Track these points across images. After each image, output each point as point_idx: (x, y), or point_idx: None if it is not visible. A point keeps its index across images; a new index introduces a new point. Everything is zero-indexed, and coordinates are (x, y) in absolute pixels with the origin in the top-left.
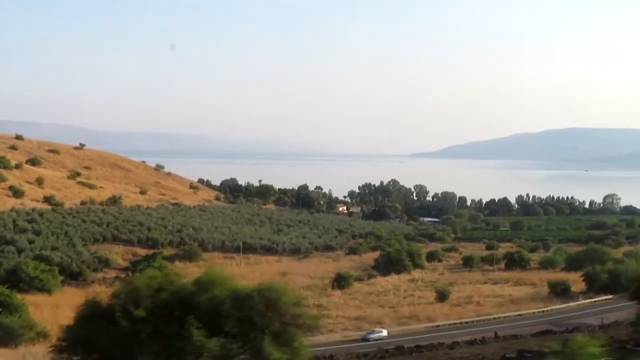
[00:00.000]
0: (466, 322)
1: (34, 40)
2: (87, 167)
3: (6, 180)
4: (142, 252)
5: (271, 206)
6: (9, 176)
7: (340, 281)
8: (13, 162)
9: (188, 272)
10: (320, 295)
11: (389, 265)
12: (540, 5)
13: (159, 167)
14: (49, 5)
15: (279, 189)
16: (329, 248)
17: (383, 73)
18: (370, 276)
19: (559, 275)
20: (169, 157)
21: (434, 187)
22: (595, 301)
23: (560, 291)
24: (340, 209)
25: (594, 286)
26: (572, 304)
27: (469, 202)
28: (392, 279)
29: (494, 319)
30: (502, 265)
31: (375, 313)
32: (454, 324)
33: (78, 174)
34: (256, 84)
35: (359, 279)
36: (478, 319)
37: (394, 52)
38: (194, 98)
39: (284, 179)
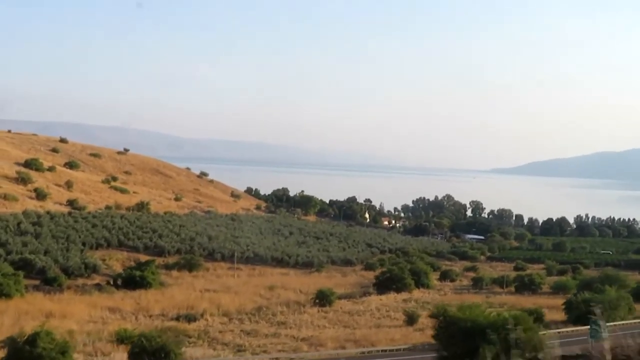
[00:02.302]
0: (398, 350)
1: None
2: (126, 172)
3: (33, 182)
4: (145, 258)
5: (312, 217)
6: (39, 178)
7: (322, 298)
8: (46, 165)
9: (180, 282)
10: (293, 313)
11: (389, 283)
12: (632, 17)
13: (202, 175)
14: (136, 13)
15: (327, 201)
16: (347, 263)
17: (470, 86)
18: (365, 294)
19: (556, 302)
20: (246, 165)
21: (492, 204)
22: (559, 332)
23: (534, 319)
24: (385, 222)
25: (572, 315)
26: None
27: (525, 221)
28: (387, 298)
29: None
30: (513, 289)
31: (328, 334)
32: (389, 350)
33: (114, 179)
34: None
35: (350, 297)
36: (412, 346)
37: (481, 64)
38: (279, 108)
39: (343, 190)
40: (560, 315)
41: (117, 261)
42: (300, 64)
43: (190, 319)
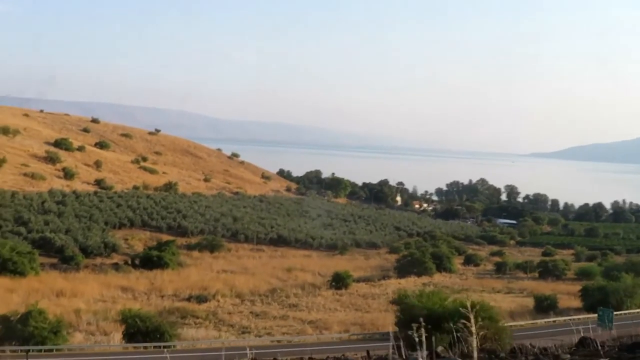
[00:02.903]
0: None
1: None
2: (157, 153)
3: (61, 162)
4: (168, 239)
5: (343, 200)
6: (68, 158)
7: (338, 281)
8: (76, 145)
9: (200, 263)
10: (307, 295)
11: (410, 267)
12: None
13: (233, 156)
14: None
15: (359, 183)
16: (372, 245)
17: (512, 70)
18: (385, 277)
19: (577, 288)
20: (282, 147)
21: (528, 189)
22: (570, 319)
23: (545, 306)
24: (417, 206)
25: (588, 302)
26: (540, 321)
27: (561, 206)
28: (406, 282)
29: None
30: (537, 274)
31: (337, 318)
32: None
33: (144, 159)
34: (377, 77)
35: (369, 280)
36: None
37: (523, 48)
38: (315, 91)
39: (378, 172)
40: (578, 302)
41: (139, 241)
42: (343, 48)
43: (201, 299)
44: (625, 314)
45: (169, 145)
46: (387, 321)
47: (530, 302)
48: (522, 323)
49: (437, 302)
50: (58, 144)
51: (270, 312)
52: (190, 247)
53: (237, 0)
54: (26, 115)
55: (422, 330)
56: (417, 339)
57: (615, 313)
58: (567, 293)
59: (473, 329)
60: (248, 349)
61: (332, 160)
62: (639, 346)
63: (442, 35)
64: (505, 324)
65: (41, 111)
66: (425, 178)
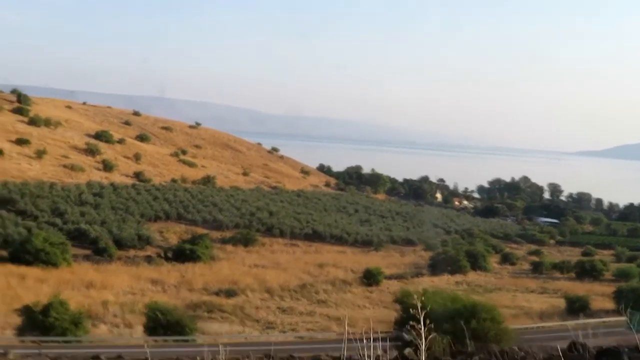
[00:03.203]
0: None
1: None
2: (197, 146)
3: (101, 154)
4: (203, 232)
5: (381, 196)
6: (108, 150)
7: (369, 277)
8: (116, 137)
9: (232, 257)
10: (337, 291)
11: (444, 264)
12: None
13: (273, 150)
14: None
15: (399, 179)
16: (409, 242)
17: (559, 67)
18: (418, 275)
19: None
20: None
21: (571, 187)
22: (601, 322)
23: (577, 307)
24: (457, 203)
25: (621, 305)
26: (569, 322)
27: (605, 205)
28: (439, 280)
29: None
30: (574, 274)
31: (364, 315)
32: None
33: (184, 152)
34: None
35: (401, 277)
36: None
37: (572, 44)
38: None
39: (421, 168)
40: (612, 304)
41: (174, 234)
42: (388, 44)
43: (230, 294)
44: None
45: (209, 138)
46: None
47: (562, 303)
48: (550, 324)
49: (438, 302)
50: (99, 136)
51: (298, 307)
52: (224, 241)
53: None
54: (69, 107)
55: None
56: (409, 339)
57: None
58: (602, 294)
59: (422, 328)
60: (273, 345)
61: (376, 155)
62: (606, 353)
63: (489, 30)
64: (513, 326)
65: (84, 103)
66: (469, 175)
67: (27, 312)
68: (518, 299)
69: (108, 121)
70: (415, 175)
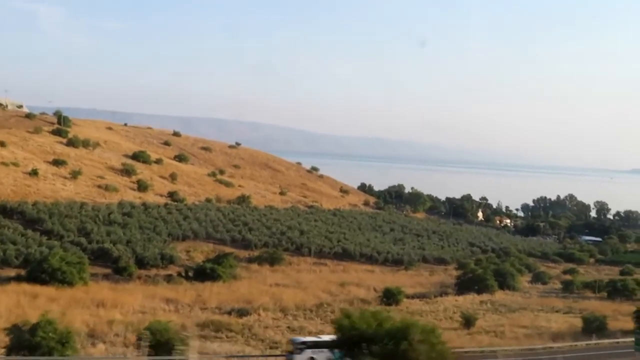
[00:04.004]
0: None
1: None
2: (235, 166)
3: (137, 174)
4: (232, 251)
5: (421, 214)
6: (145, 170)
7: (389, 297)
8: (154, 157)
9: (256, 276)
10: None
11: (471, 283)
12: None
13: (313, 170)
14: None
15: (442, 198)
16: (441, 261)
17: (612, 83)
18: (442, 294)
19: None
20: (381, 162)
21: (620, 205)
22: (613, 342)
23: (594, 327)
24: (498, 221)
25: None
26: (580, 343)
27: None
28: (464, 299)
29: (473, 352)
30: (605, 294)
31: None
32: None
33: (221, 172)
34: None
35: (424, 296)
36: None
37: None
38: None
39: (468, 187)
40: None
41: (200, 253)
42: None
43: (242, 313)
44: None
45: (248, 158)
46: None
47: (582, 323)
48: (560, 345)
49: (371, 323)
50: (136, 156)
51: (308, 327)
52: (250, 260)
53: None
54: (109, 128)
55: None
56: None
57: None
58: (628, 314)
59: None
60: None
61: (424, 175)
62: None
63: (542, 48)
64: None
65: (125, 124)
66: (516, 193)
67: (15, 331)
68: (539, 319)
69: (147, 142)
70: (458, 194)
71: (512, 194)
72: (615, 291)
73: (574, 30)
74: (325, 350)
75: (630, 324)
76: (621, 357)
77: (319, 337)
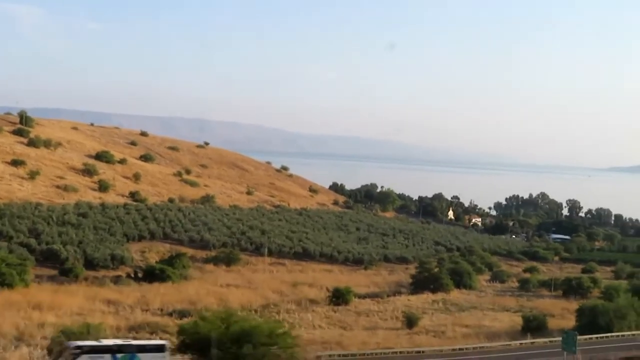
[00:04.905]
0: (355, 355)
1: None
2: (203, 165)
3: (98, 174)
4: (188, 251)
5: (390, 214)
6: (108, 170)
7: (338, 297)
8: (118, 157)
9: (208, 277)
10: (300, 311)
11: (426, 283)
12: None
13: (283, 169)
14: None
15: (414, 197)
16: (403, 260)
17: (590, 83)
18: (396, 293)
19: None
20: (360, 161)
21: (593, 203)
22: (548, 341)
23: (534, 326)
24: (473, 220)
25: (581, 323)
26: (518, 342)
27: (627, 221)
28: (417, 299)
29: (400, 352)
30: (561, 292)
31: (313, 335)
32: (350, 355)
33: (188, 172)
34: (453, 92)
35: (377, 296)
36: (376, 351)
37: (600, 62)
38: (393, 105)
39: (442, 186)
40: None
41: (156, 254)
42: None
43: (184, 314)
44: (615, 336)
45: (216, 158)
46: (359, 340)
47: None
48: (493, 345)
49: (217, 326)
50: (99, 156)
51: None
52: (207, 260)
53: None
54: (75, 128)
55: None
56: None
57: (599, 336)
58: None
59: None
60: None
61: (402, 174)
62: None
63: (519, 49)
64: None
65: (91, 124)
66: (492, 192)
67: None
68: (486, 318)
69: (113, 142)
70: (431, 193)
71: (487, 192)
72: (570, 289)
73: (553, 30)
74: (106, 355)
75: (571, 322)
76: (548, 356)
77: (100, 342)
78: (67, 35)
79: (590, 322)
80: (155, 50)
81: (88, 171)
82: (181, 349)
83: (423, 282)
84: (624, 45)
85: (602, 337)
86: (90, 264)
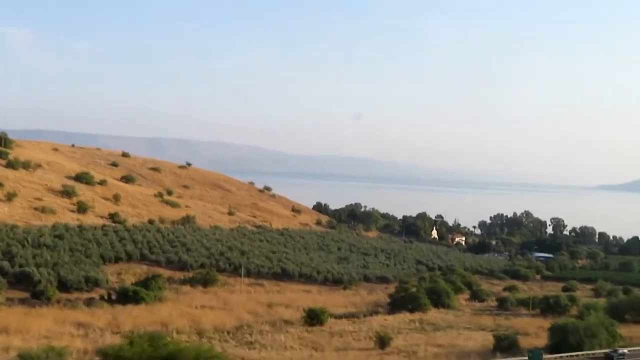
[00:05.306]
0: None
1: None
2: (185, 186)
3: (77, 196)
4: (166, 273)
5: (374, 233)
6: (87, 192)
7: (313, 317)
8: (98, 178)
9: (183, 298)
10: (275, 332)
11: (404, 302)
12: None
13: (266, 189)
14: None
15: (399, 217)
16: (383, 280)
17: (575, 100)
18: (373, 313)
19: None
20: (352, 181)
21: (578, 221)
22: None
23: (505, 346)
24: (457, 239)
25: (553, 341)
26: None
27: (611, 239)
28: (394, 319)
29: None
30: (539, 310)
31: (281, 357)
32: None
33: (170, 192)
34: (445, 111)
35: (353, 316)
36: None
37: (588, 77)
38: (385, 124)
39: (428, 205)
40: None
41: (133, 275)
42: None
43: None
44: (584, 355)
45: (198, 178)
46: None
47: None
48: None
49: (144, 349)
50: (79, 177)
51: (218, 350)
52: (184, 282)
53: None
54: (55, 149)
55: None
56: None
57: (570, 354)
58: None
59: None
60: None
61: (387, 193)
62: None
63: (507, 69)
64: None
65: (72, 145)
66: (476, 211)
67: None
68: (460, 338)
69: (94, 163)
70: (416, 212)
71: (472, 211)
72: (548, 307)
73: (535, 46)
74: None
75: (544, 341)
76: None
77: None
78: (53, 55)
79: (562, 340)
80: (142, 69)
81: (67, 193)
82: None
83: (401, 302)
84: (615, 59)
85: (572, 355)
86: (64, 287)
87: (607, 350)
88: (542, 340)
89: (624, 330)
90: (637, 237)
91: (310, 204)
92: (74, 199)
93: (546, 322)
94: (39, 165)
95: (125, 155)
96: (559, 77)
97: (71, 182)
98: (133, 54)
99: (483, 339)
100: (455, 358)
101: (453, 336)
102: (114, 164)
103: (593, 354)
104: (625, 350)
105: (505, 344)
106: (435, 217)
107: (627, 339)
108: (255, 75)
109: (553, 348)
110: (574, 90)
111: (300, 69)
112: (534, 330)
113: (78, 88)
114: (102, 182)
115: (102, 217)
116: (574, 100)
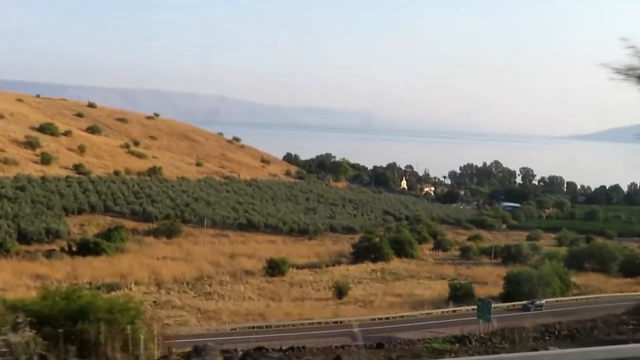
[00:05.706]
0: (270, 327)
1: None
2: (152, 137)
3: (41, 147)
4: (130, 224)
5: (342, 184)
6: (52, 143)
7: (274, 268)
8: (62, 129)
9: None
10: (234, 283)
11: (367, 252)
12: None
13: (234, 140)
14: None
15: (369, 167)
16: (349, 230)
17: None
18: (335, 263)
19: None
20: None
21: (543, 171)
22: (471, 309)
23: (460, 295)
24: (426, 189)
25: (507, 290)
26: (440, 310)
27: (579, 188)
28: (356, 268)
29: (318, 323)
30: (500, 260)
31: (236, 308)
32: (264, 327)
33: (136, 144)
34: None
35: (315, 266)
36: (294, 322)
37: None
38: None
39: (398, 155)
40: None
41: (96, 227)
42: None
43: (112, 288)
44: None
45: (166, 129)
46: (283, 312)
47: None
48: (415, 313)
49: (57, 302)
50: (43, 128)
51: (175, 301)
52: (148, 233)
53: None
54: (19, 100)
55: None
56: None
57: (522, 303)
58: None
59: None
60: None
61: (362, 144)
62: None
63: (474, 13)
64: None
65: (37, 96)
66: (447, 161)
67: None
68: (419, 287)
69: (60, 114)
70: (384, 162)
71: (442, 161)
72: (509, 256)
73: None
74: None
75: (499, 290)
76: (465, 324)
77: None
78: (25, 5)
79: (515, 289)
80: (117, 21)
81: (30, 144)
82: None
83: (364, 252)
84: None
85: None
86: (24, 239)
87: (524, 302)
88: (499, 289)
89: (581, 278)
90: (604, 187)
91: (281, 155)
92: (38, 150)
93: (506, 271)
94: (1, 116)
95: (91, 105)
96: (531, 23)
97: (35, 133)
98: (109, 2)
99: (441, 288)
100: (409, 307)
101: (412, 286)
102: (80, 115)
103: (546, 302)
104: (543, 301)
105: (460, 293)
106: (405, 167)
107: (582, 288)
108: (224, 24)
109: (507, 297)
110: (545, 39)
111: (268, 17)
112: (493, 279)
113: (46, 38)
114: (67, 133)
115: (66, 168)
116: (548, 49)
